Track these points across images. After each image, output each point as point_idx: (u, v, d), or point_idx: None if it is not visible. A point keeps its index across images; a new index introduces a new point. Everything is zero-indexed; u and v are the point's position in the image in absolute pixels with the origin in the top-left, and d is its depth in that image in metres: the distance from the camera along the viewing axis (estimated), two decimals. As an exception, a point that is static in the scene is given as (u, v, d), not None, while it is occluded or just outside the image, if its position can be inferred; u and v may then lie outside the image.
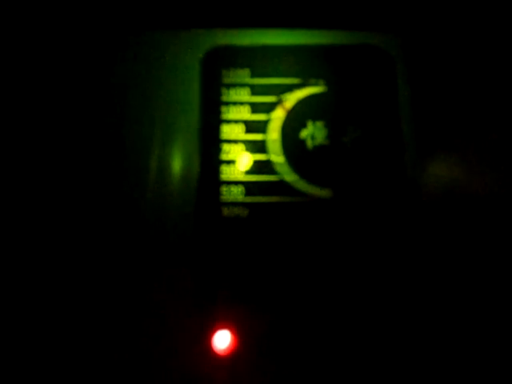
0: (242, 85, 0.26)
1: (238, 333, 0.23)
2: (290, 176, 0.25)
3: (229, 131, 0.26)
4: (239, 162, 0.25)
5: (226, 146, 0.25)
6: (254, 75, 0.26)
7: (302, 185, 0.25)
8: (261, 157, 0.25)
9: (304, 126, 0.26)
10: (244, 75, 0.26)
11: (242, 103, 0.26)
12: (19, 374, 0.22)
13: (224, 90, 0.26)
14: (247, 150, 0.25)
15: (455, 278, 0.24)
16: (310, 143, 0.26)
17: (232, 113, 0.26)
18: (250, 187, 0.25)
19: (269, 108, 0.26)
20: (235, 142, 0.25)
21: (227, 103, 0.26)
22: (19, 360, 0.22)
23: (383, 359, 0.23)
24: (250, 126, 0.26)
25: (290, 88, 0.26)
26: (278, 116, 0.26)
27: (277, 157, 0.25)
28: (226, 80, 0.26)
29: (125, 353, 0.22)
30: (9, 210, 0.24)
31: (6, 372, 0.22)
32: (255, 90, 0.26)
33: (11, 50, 0.26)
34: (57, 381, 0.22)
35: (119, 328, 0.23)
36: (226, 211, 0.25)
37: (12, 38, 0.26)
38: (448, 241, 0.24)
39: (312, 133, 0.26)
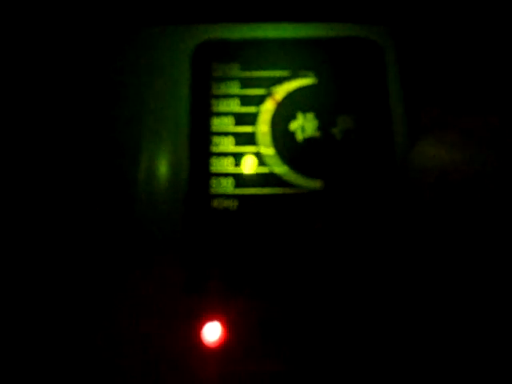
0: (232, 78, 0.26)
1: (228, 324, 0.23)
2: (280, 168, 0.25)
3: (218, 124, 0.26)
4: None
5: (215, 139, 0.25)
6: (243, 68, 0.27)
7: (293, 176, 0.25)
8: (251, 149, 0.25)
9: (294, 117, 0.26)
10: (234, 68, 0.27)
11: (231, 96, 0.26)
12: (8, 372, 0.22)
13: (214, 84, 0.26)
14: (237, 142, 0.25)
15: (450, 270, 0.23)
16: (300, 135, 0.26)
17: (222, 105, 0.26)
18: (239, 179, 0.25)
19: (259, 100, 0.26)
20: (225, 134, 0.26)
21: (217, 96, 0.26)
22: (7, 357, 0.22)
23: (376, 350, 0.23)
24: (240, 119, 0.26)
25: (280, 80, 0.26)
26: (268, 108, 0.26)
27: (267, 149, 0.25)
28: (216, 73, 0.26)
29: (111, 346, 0.22)
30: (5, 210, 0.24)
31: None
32: (245, 82, 0.26)
33: (4, 46, 0.26)
34: (42, 373, 0.22)
35: (106, 320, 0.22)
36: (215, 203, 0.24)
37: (4, 35, 0.26)
38: (441, 231, 0.24)
39: (302, 125, 0.26)
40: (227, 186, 0.25)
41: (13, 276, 0.23)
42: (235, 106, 0.26)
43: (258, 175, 0.25)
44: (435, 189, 0.24)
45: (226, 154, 0.25)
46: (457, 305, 0.23)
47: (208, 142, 0.25)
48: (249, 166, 0.25)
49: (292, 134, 0.26)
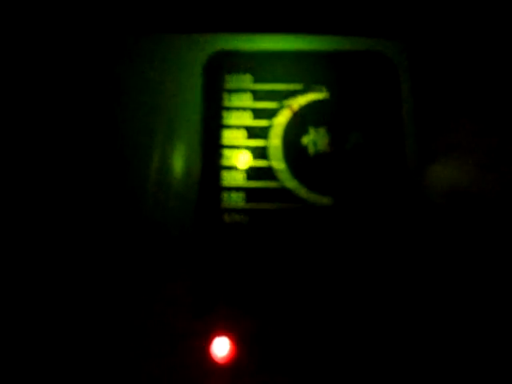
0: (244, 90, 0.26)
1: (237, 340, 0.23)
2: (291, 183, 0.25)
3: (230, 137, 0.25)
4: (238, 161, 0.25)
5: (227, 152, 0.25)
6: (256, 80, 0.26)
7: (303, 192, 0.25)
8: (262, 163, 0.25)
9: (306, 132, 0.26)
10: (246, 80, 0.26)
11: (244, 109, 0.26)
12: (20, 374, 0.22)
13: (226, 95, 0.26)
14: (248, 156, 0.25)
15: (460, 288, 0.23)
16: (311, 150, 0.26)
17: (234, 118, 0.26)
18: (251, 193, 0.25)
19: (271, 114, 0.26)
20: (237, 147, 0.25)
21: (229, 108, 0.26)
22: (21, 360, 0.22)
23: (384, 369, 0.23)
24: (252, 132, 0.26)
25: (293, 94, 0.26)
26: (280, 122, 0.26)
27: (278, 163, 0.25)
28: (228, 85, 0.26)
29: (122, 360, 0.22)
30: (9, 210, 0.24)
31: (6, 372, 0.22)
32: (257, 95, 0.26)
33: (13, 52, 0.26)
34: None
35: (116, 335, 0.22)
36: (226, 217, 0.24)
37: (10, 39, 0.26)
38: (452, 248, 0.24)
39: (314, 139, 0.26)
40: (238, 200, 0.25)
41: (21, 277, 0.23)
42: (247, 119, 0.26)
43: (269, 190, 0.25)
44: (446, 207, 0.24)
45: (237, 168, 0.25)
46: (461, 314, 0.23)
47: (219, 156, 0.25)
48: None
49: (304, 149, 0.26)
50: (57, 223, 0.24)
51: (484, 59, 0.26)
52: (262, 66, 0.27)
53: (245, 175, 0.25)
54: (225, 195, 0.25)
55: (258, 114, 0.26)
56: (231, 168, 0.25)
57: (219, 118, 0.26)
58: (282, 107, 0.26)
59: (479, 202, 0.24)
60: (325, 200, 0.25)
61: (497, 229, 0.24)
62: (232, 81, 0.26)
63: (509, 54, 0.26)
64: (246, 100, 0.26)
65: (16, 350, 0.22)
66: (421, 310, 0.23)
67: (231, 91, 0.26)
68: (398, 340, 0.23)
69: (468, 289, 0.23)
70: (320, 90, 0.26)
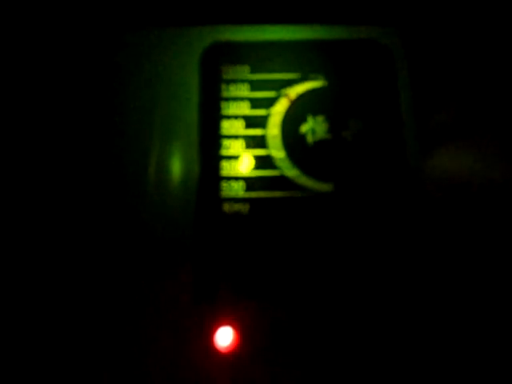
0: (242, 80, 0.26)
1: (241, 330, 0.23)
2: (290, 171, 0.25)
3: (229, 127, 0.25)
4: (241, 163, 0.25)
5: (226, 142, 0.25)
6: (253, 71, 0.26)
7: (303, 179, 0.25)
8: (261, 152, 0.25)
9: (304, 120, 0.26)
10: (243, 71, 0.26)
11: (241, 99, 0.26)
12: (21, 373, 0.22)
13: (223, 86, 0.26)
14: (247, 145, 0.25)
15: (459, 273, 0.23)
16: (310, 138, 0.25)
17: (232, 108, 0.26)
18: (250, 183, 0.25)
19: (269, 103, 0.26)
20: (235, 137, 0.25)
21: (227, 99, 0.26)
22: (22, 360, 0.22)
23: (385, 356, 0.23)
24: (250, 122, 0.26)
25: (290, 83, 0.26)
26: (278, 111, 0.26)
27: (277, 152, 0.25)
28: (226, 76, 0.26)
29: (125, 351, 0.22)
30: (9, 213, 0.24)
31: (6, 372, 0.22)
32: (255, 85, 0.26)
33: (9, 49, 0.26)
34: (55, 380, 0.21)
35: (119, 326, 0.22)
36: (226, 207, 0.24)
37: (7, 36, 0.26)
38: (451, 235, 0.24)
39: (312, 127, 0.26)
40: (238, 189, 0.25)
41: (22, 276, 0.23)
42: (245, 109, 0.26)
43: (268, 178, 0.25)
44: (446, 196, 0.24)
45: (236, 157, 0.25)
46: (462, 307, 0.23)
47: (218, 146, 0.25)
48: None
49: (302, 137, 0.25)
50: (58, 222, 0.24)
51: (480, 45, 0.26)
52: (258, 56, 0.27)
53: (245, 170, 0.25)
54: (224, 185, 0.25)
55: (255, 103, 0.26)
56: (230, 158, 0.25)
57: (217, 108, 0.26)
58: (279, 96, 0.26)
59: (476, 190, 0.24)
60: (325, 187, 0.25)
61: (494, 219, 0.23)
62: (229, 71, 0.26)
63: (506, 39, 0.26)
64: (243, 90, 0.26)
65: (18, 350, 0.22)
66: (419, 295, 0.23)
67: (228, 82, 0.26)
68: (396, 324, 0.23)
69: (464, 276, 0.23)
70: (317, 79, 0.26)
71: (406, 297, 0.23)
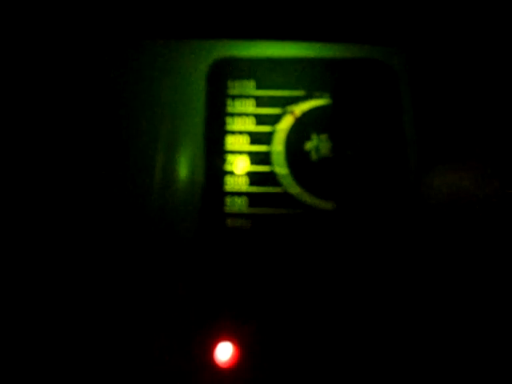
0: (247, 96, 0.26)
1: (240, 345, 0.23)
2: (293, 188, 0.25)
3: (233, 142, 0.26)
4: (236, 166, 0.25)
5: (230, 157, 0.25)
6: (259, 87, 0.27)
7: (306, 197, 0.25)
8: (265, 168, 0.25)
9: (308, 138, 0.26)
10: (249, 87, 0.27)
11: (246, 114, 0.26)
12: (23, 374, 0.22)
13: (229, 101, 0.26)
14: (251, 161, 0.25)
15: (460, 295, 0.24)
16: (314, 155, 0.26)
17: (237, 124, 0.26)
18: (253, 198, 0.25)
19: (274, 120, 0.26)
20: (240, 153, 0.26)
21: (232, 114, 0.26)
22: (26, 361, 0.22)
23: (385, 375, 0.23)
24: (255, 138, 0.26)
25: (295, 100, 0.26)
26: (283, 128, 0.26)
27: (281, 168, 0.25)
28: (232, 91, 0.27)
29: (125, 365, 0.22)
30: (14, 213, 0.24)
31: (6, 372, 0.22)
32: (260, 101, 0.26)
33: (17, 58, 0.26)
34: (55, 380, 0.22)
35: (119, 339, 0.22)
36: (229, 222, 0.25)
37: (22, 48, 0.26)
38: (453, 253, 0.24)
39: (316, 145, 0.26)
40: (241, 204, 0.25)
41: (23, 279, 0.23)
42: (250, 125, 0.26)
43: (272, 195, 0.25)
44: (448, 215, 0.24)
45: (240, 173, 0.25)
46: (459, 320, 0.23)
47: (222, 161, 0.25)
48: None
49: (306, 155, 0.26)
50: (65, 227, 0.24)
51: (484, 65, 0.27)
52: (264, 72, 0.27)
53: (248, 180, 0.25)
54: (228, 200, 0.25)
55: (260, 119, 0.26)
56: (234, 173, 0.25)
57: (222, 123, 0.26)
58: (284, 113, 0.26)
59: (479, 209, 0.24)
60: (327, 205, 0.25)
61: (495, 236, 0.24)
62: (235, 87, 0.27)
63: (508, 60, 0.27)
64: (248, 106, 0.26)
65: (21, 349, 0.22)
66: (420, 316, 0.23)
67: (234, 97, 0.26)
68: (399, 347, 0.23)
69: (466, 295, 0.23)
70: (322, 97, 0.27)
71: (407, 314, 0.24)
